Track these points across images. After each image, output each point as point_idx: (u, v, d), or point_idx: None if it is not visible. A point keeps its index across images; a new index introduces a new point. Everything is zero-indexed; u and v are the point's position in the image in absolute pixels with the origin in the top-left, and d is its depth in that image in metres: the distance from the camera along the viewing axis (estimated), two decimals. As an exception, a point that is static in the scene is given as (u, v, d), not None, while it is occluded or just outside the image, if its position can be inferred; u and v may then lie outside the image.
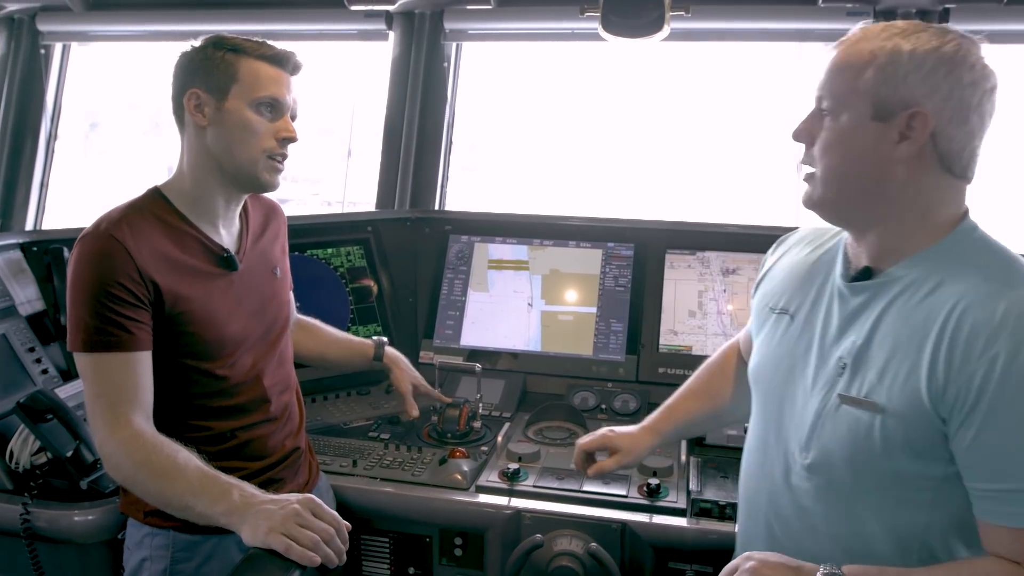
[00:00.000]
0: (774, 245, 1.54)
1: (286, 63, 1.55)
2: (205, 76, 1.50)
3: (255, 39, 1.54)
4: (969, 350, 1.06)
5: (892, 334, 1.16)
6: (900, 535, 1.17)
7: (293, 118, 1.59)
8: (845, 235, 1.31)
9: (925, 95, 1.11)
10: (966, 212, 1.20)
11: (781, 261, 1.46)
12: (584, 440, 1.72)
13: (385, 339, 2.10)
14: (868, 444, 1.15)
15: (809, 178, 1.24)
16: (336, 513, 1.37)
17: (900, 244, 1.19)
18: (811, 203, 1.25)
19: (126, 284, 1.42)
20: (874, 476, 1.17)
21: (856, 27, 1.21)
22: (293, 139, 1.57)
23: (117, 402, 1.42)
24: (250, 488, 1.39)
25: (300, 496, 1.36)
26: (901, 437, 1.12)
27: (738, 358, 1.69)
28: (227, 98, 1.50)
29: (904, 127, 1.13)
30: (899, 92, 1.12)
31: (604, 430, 1.72)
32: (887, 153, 1.15)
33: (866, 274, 1.23)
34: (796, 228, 1.53)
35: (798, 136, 1.25)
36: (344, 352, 2.07)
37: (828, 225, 1.37)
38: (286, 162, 1.59)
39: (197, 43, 1.54)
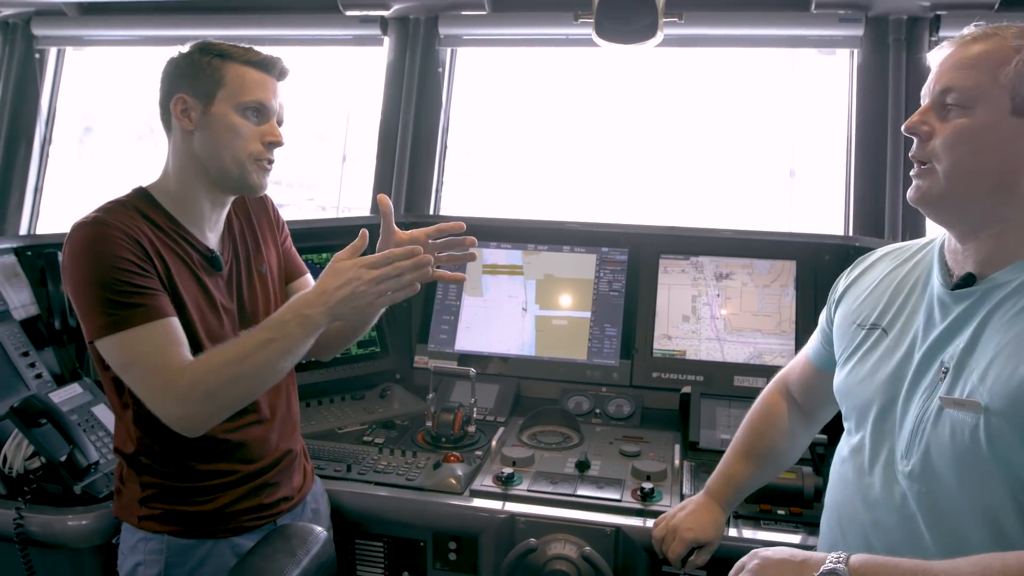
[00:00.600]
0: (852, 265, 1.51)
1: (272, 68, 1.56)
2: (192, 81, 1.51)
3: (242, 45, 1.55)
4: None
5: (996, 337, 1.14)
6: (1007, 541, 1.12)
7: (280, 123, 1.59)
8: (936, 246, 1.31)
9: None
10: None
11: (864, 278, 1.45)
12: (674, 552, 1.61)
13: None
14: (973, 446, 1.12)
15: (925, 173, 1.21)
16: (390, 251, 1.44)
17: (1011, 248, 1.17)
18: (927, 198, 1.21)
19: (129, 257, 1.42)
20: (979, 479, 1.13)
21: (970, 27, 1.19)
22: (279, 143, 1.57)
23: (161, 365, 1.40)
24: (297, 300, 1.45)
25: (359, 261, 1.43)
26: (1008, 436, 1.09)
27: (787, 402, 1.65)
28: (213, 103, 1.51)
29: None
30: None
31: (682, 531, 1.61)
32: (1021, 149, 1.13)
33: (968, 281, 1.20)
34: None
35: (913, 129, 1.21)
36: None
37: (907, 242, 1.40)
38: (273, 166, 1.59)
39: (184, 49, 1.55)
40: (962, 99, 1.15)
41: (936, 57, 1.21)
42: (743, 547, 1.64)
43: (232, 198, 1.64)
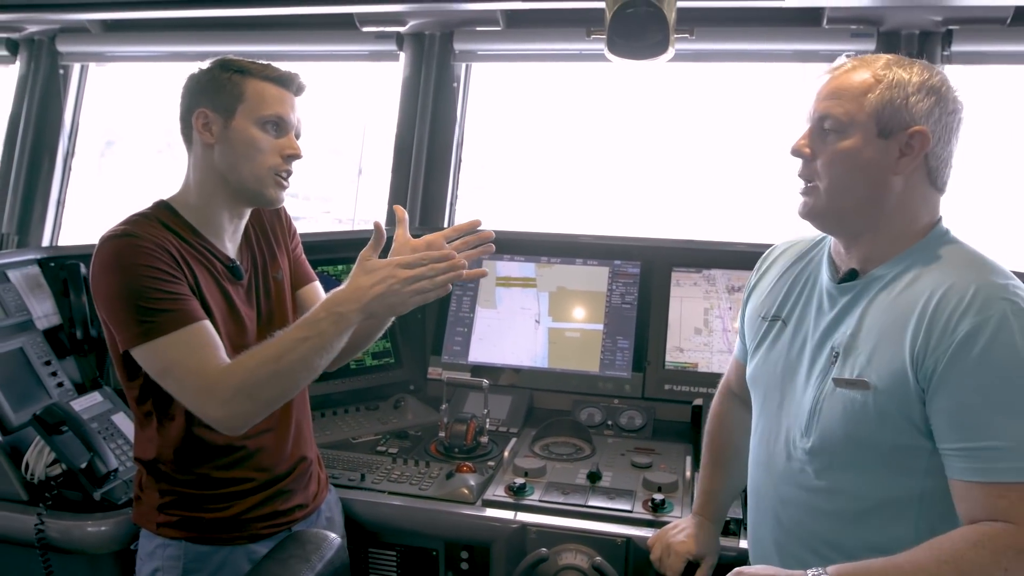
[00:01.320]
0: (756, 265, 1.64)
1: (290, 84, 1.60)
2: (212, 96, 1.55)
3: (260, 61, 1.59)
4: (944, 328, 1.20)
5: (878, 322, 1.29)
6: (898, 505, 1.28)
7: (297, 136, 1.63)
8: (827, 245, 1.46)
9: (923, 117, 1.27)
10: (940, 219, 1.35)
11: (766, 276, 1.58)
12: (672, 569, 1.64)
13: None
14: (864, 419, 1.27)
15: (809, 191, 1.35)
16: (424, 252, 1.50)
17: (883, 249, 1.33)
18: (811, 213, 1.37)
19: (158, 265, 1.45)
20: (870, 449, 1.28)
21: (842, 59, 1.36)
22: (297, 156, 1.61)
23: (198, 368, 1.43)
24: (333, 297, 1.47)
25: (394, 260, 1.47)
26: (893, 410, 1.24)
27: (733, 401, 1.74)
28: (234, 117, 1.55)
29: (904, 144, 1.27)
30: (901, 114, 1.27)
31: (676, 546, 1.65)
32: (888, 166, 1.28)
33: (851, 276, 1.36)
34: (772, 246, 1.61)
35: (798, 152, 1.36)
36: None
37: (801, 238, 1.56)
38: (291, 179, 1.63)
39: (205, 65, 1.59)
40: (836, 125, 1.30)
41: (815, 85, 1.36)
42: (722, 555, 1.69)
43: (250, 210, 1.68)
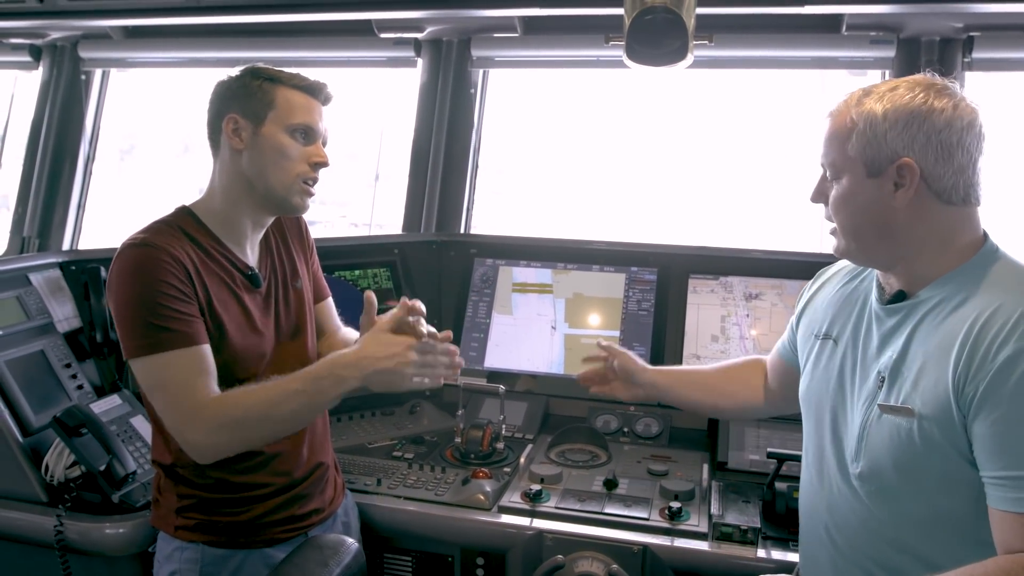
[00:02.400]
0: (812, 279, 1.65)
1: (319, 93, 1.62)
2: (243, 102, 1.57)
3: (289, 71, 1.61)
4: (985, 353, 1.17)
5: (923, 347, 1.27)
6: (953, 527, 1.25)
7: (324, 145, 1.65)
8: None
9: (906, 146, 1.25)
10: (985, 235, 1.32)
11: (821, 292, 1.58)
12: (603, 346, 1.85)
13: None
14: (910, 447, 1.24)
15: (833, 232, 1.39)
16: (441, 342, 1.52)
17: (925, 271, 1.31)
18: (839, 252, 1.40)
19: (173, 282, 1.47)
20: (919, 475, 1.25)
21: (844, 95, 1.35)
22: (325, 164, 1.63)
23: (192, 391, 1.45)
24: (334, 357, 1.48)
25: (407, 341, 1.48)
26: (938, 438, 1.21)
27: (763, 374, 1.78)
28: (264, 123, 1.56)
29: (896, 177, 1.26)
30: (883, 150, 1.26)
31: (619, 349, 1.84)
32: (887, 203, 1.28)
33: (899, 297, 1.34)
34: (814, 255, 1.61)
35: (815, 199, 1.40)
36: None
37: None
38: (317, 186, 1.64)
39: (235, 72, 1.61)
40: (832, 172, 1.35)
41: (819, 130, 1.38)
42: (738, 565, 1.69)
43: (272, 218, 1.69)
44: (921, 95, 1.25)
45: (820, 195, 1.39)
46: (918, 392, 1.24)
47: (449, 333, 1.57)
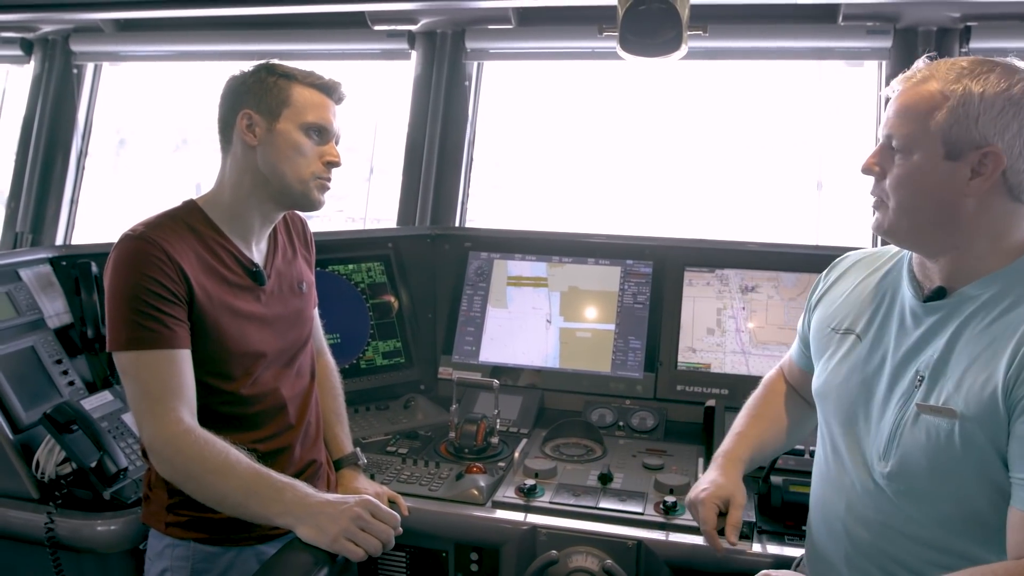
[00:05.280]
0: (826, 271, 1.59)
1: (333, 92, 1.63)
2: (258, 98, 1.56)
3: (303, 69, 1.60)
4: None
5: (969, 347, 1.21)
6: (982, 532, 1.20)
7: (336, 144, 1.65)
8: (905, 256, 1.39)
9: (996, 134, 1.17)
10: None
11: (838, 285, 1.53)
12: (707, 521, 1.52)
13: (361, 459, 1.93)
14: (948, 448, 1.19)
15: (879, 206, 1.31)
16: (391, 511, 1.46)
17: (972, 266, 1.25)
18: (883, 231, 1.31)
19: (164, 282, 1.46)
20: (953, 478, 1.21)
21: (919, 63, 1.27)
22: (338, 164, 1.63)
23: (163, 397, 1.44)
24: (302, 487, 1.44)
25: (356, 498, 1.44)
26: (980, 440, 1.17)
27: (786, 384, 1.74)
28: (279, 120, 1.56)
29: (976, 164, 1.18)
30: (971, 133, 1.18)
31: (701, 495, 1.54)
32: (959, 189, 1.20)
33: (939, 294, 1.28)
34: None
35: (868, 170, 1.31)
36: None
37: (874, 250, 1.48)
38: (331, 184, 1.65)
39: (248, 68, 1.60)
40: (901, 145, 1.24)
41: (888, 96, 1.29)
42: (733, 559, 1.67)
43: (281, 215, 1.69)
44: (1019, 84, 1.17)
45: (877, 167, 1.29)
46: (961, 393, 1.19)
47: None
